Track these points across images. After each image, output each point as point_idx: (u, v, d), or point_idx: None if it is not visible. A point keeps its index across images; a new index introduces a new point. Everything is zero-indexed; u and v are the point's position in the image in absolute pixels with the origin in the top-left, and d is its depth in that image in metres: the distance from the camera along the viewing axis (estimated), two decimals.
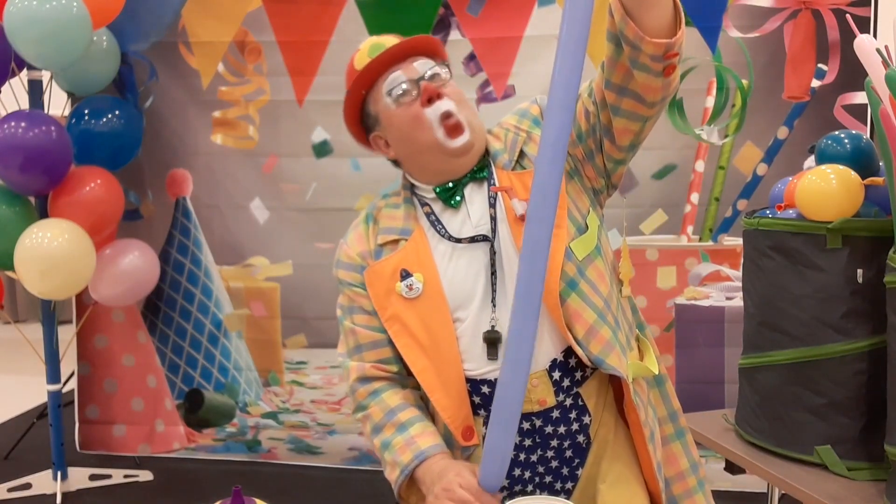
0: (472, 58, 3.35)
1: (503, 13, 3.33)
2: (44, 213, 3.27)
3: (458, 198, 1.51)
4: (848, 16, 2.13)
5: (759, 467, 1.91)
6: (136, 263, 3.42)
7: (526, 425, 1.46)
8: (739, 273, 2.63)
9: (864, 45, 1.68)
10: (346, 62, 3.96)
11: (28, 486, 3.48)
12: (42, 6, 2.90)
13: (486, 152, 1.54)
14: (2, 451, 3.97)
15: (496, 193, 1.49)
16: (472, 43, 3.33)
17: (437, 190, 1.52)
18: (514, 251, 1.45)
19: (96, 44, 3.25)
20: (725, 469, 2.14)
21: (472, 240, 1.48)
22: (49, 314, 3.45)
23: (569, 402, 1.47)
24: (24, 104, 3.33)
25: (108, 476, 3.60)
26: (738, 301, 3.22)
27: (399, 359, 1.53)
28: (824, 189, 1.80)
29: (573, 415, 1.47)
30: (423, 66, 1.49)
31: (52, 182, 3.21)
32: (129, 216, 3.57)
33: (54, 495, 3.43)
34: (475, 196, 1.51)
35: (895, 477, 1.68)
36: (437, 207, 1.53)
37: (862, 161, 1.88)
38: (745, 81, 3.25)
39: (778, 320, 1.89)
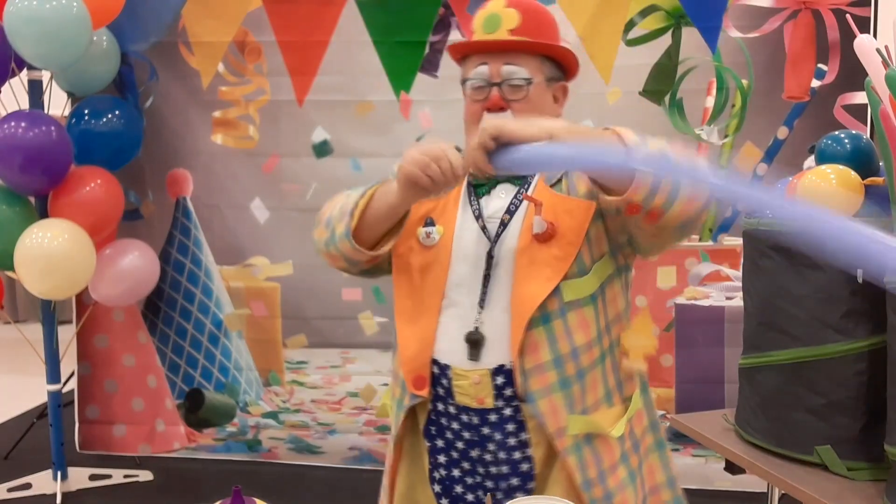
0: None
1: None
2: (44, 213, 3.27)
3: (485, 188, 1.52)
4: (848, 16, 2.14)
5: (759, 467, 1.91)
6: (136, 263, 3.42)
7: (465, 418, 1.48)
8: (739, 273, 2.63)
9: (864, 45, 1.68)
10: (346, 62, 3.95)
11: (28, 486, 3.48)
12: (42, 6, 2.90)
13: None
14: (2, 451, 3.97)
15: (518, 203, 1.49)
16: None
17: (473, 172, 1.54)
18: (510, 263, 1.45)
19: (96, 44, 3.25)
20: (725, 469, 2.14)
21: (483, 229, 1.49)
22: (49, 314, 3.45)
23: (508, 411, 1.46)
24: (24, 104, 3.33)
25: (108, 476, 3.60)
26: (738, 301, 3.22)
27: None
28: (824, 189, 1.80)
29: (510, 426, 1.47)
30: (510, 72, 1.47)
31: (52, 182, 3.21)
32: (129, 216, 3.57)
33: (54, 495, 3.43)
34: (502, 193, 1.52)
35: (895, 477, 1.68)
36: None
37: (862, 161, 1.88)
38: (745, 81, 3.25)
39: (778, 320, 1.89)
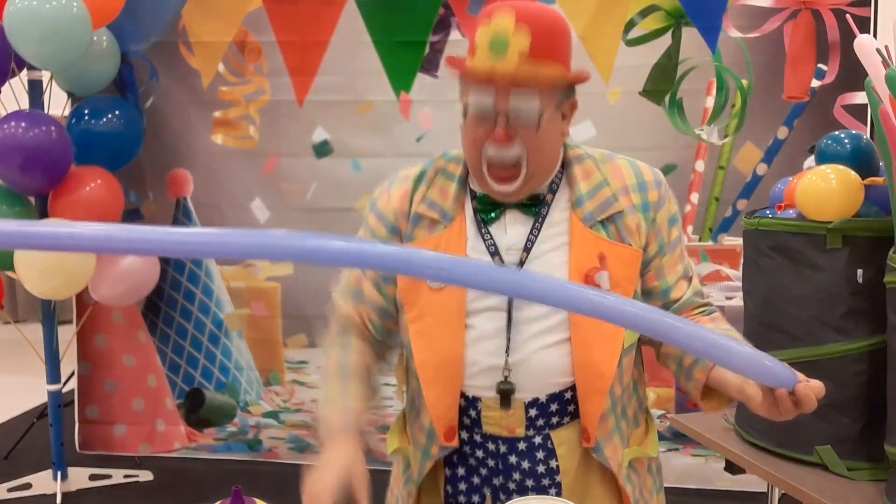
0: None
1: None
2: (44, 213, 3.27)
3: (493, 215, 1.42)
4: (848, 16, 2.14)
5: (759, 467, 1.91)
6: (137, 263, 3.41)
7: (491, 446, 1.45)
8: (739, 273, 2.63)
9: (864, 45, 1.68)
10: (346, 62, 3.94)
11: (28, 486, 3.48)
12: (42, 6, 2.90)
13: (558, 175, 1.45)
14: (2, 451, 3.97)
15: (535, 239, 1.40)
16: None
17: (479, 196, 1.44)
18: (544, 308, 1.38)
19: (96, 44, 3.25)
20: (725, 469, 2.14)
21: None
22: (49, 314, 3.45)
23: (538, 440, 1.44)
24: (24, 104, 3.33)
25: (108, 476, 3.60)
26: (738, 301, 3.22)
27: (381, 327, 1.52)
28: (824, 189, 1.80)
29: (540, 454, 1.44)
30: (519, 102, 1.30)
31: (52, 182, 3.21)
32: (129, 216, 3.57)
33: (54, 495, 3.43)
34: (515, 223, 1.42)
35: (895, 477, 1.68)
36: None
37: (862, 161, 1.88)
38: (745, 81, 3.25)
39: (778, 320, 1.89)
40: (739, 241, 2.06)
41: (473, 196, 1.45)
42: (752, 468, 1.95)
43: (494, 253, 1.40)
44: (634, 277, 1.41)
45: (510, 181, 1.36)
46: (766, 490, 2.31)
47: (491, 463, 1.46)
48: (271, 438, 3.75)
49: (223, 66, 3.56)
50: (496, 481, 1.47)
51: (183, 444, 3.80)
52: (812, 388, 1.24)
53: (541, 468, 1.44)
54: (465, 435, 1.47)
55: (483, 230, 1.42)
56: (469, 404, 1.44)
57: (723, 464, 2.15)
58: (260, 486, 3.32)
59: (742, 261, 2.07)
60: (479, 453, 1.47)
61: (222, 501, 1.25)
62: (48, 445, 3.49)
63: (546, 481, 1.45)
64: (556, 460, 1.44)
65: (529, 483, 1.44)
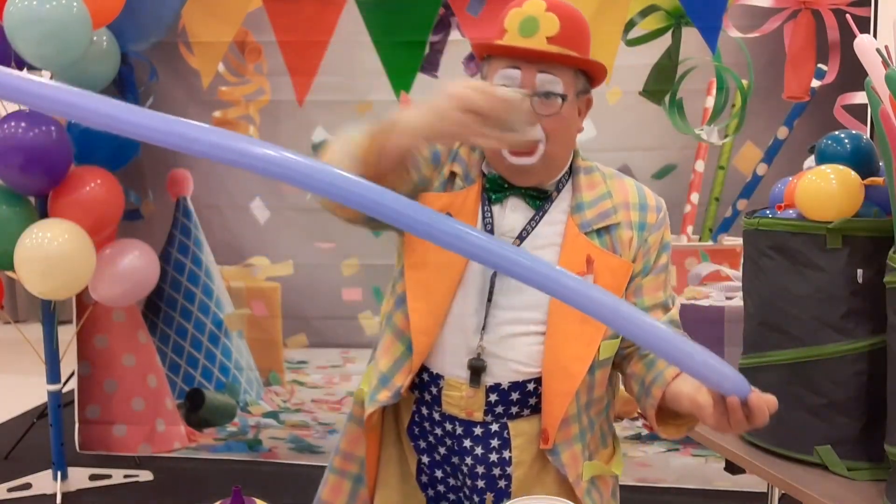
0: (472, 58, 3.35)
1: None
2: (44, 213, 3.27)
3: (498, 195, 1.45)
4: (848, 16, 2.14)
5: (759, 467, 1.91)
6: (137, 263, 3.42)
7: (448, 426, 1.46)
8: (739, 273, 2.63)
9: (864, 45, 1.68)
10: (346, 62, 3.94)
11: (28, 486, 3.48)
12: (42, 6, 2.90)
13: (565, 176, 1.47)
14: (2, 451, 3.97)
15: (531, 229, 1.42)
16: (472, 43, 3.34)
17: (488, 176, 1.47)
18: (523, 296, 1.39)
19: (96, 44, 3.25)
20: (725, 469, 2.14)
21: None
22: (49, 314, 3.45)
23: (495, 427, 1.44)
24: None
25: (108, 476, 3.60)
26: (738, 301, 3.21)
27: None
28: (824, 189, 1.80)
29: (494, 442, 1.44)
30: (544, 83, 1.37)
31: (52, 182, 3.21)
32: (129, 216, 3.57)
33: (54, 495, 3.43)
34: (516, 210, 1.45)
35: (895, 477, 1.68)
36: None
37: (862, 161, 1.88)
38: (745, 81, 3.25)
39: (778, 320, 1.89)
40: (739, 241, 2.06)
41: (483, 176, 1.48)
42: (752, 468, 1.95)
43: (490, 232, 1.43)
44: (620, 288, 1.43)
45: (529, 154, 1.39)
46: (766, 490, 2.31)
47: (448, 442, 1.48)
48: (271, 438, 3.75)
49: (223, 66, 3.56)
50: (454, 460, 1.49)
51: (183, 444, 3.80)
52: (765, 400, 1.22)
53: (493, 457, 1.45)
54: (425, 410, 1.49)
55: (485, 208, 1.45)
56: (431, 380, 1.46)
57: (723, 464, 2.15)
58: (260, 486, 3.33)
59: (742, 261, 2.07)
60: (438, 431, 1.49)
61: (222, 501, 1.25)
62: (48, 445, 3.49)
63: (497, 471, 1.46)
64: (510, 451, 1.45)
65: (480, 470, 1.46)
